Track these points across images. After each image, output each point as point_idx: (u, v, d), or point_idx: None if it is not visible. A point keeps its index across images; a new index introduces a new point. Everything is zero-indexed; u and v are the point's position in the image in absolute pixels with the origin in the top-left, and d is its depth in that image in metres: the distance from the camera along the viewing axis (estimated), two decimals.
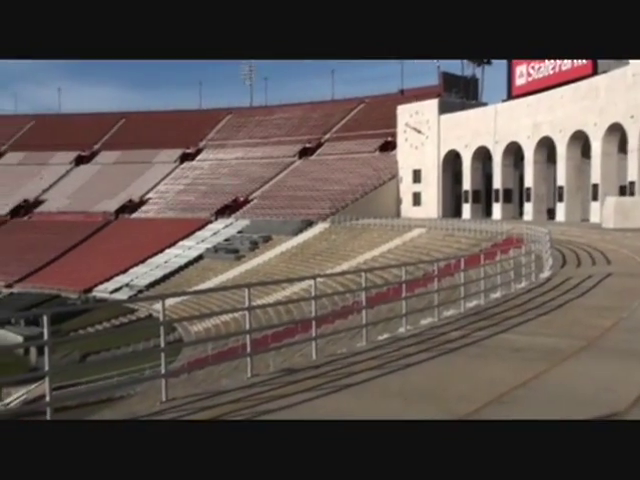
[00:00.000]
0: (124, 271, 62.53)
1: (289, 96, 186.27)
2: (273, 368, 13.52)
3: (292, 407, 6.66)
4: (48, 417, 6.41)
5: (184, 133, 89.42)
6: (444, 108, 62.32)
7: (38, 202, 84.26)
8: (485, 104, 63.74)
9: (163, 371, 7.56)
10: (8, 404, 34.64)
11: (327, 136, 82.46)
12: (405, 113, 66.19)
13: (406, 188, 66.06)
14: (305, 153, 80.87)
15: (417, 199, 65.00)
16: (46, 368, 6.60)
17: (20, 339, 46.18)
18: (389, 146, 71.94)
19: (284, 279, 40.17)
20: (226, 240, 65.24)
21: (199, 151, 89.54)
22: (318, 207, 66.02)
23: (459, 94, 67.35)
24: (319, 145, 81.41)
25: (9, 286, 64.30)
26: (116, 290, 59.12)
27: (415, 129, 64.52)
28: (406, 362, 8.60)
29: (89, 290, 60.01)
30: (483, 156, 58.02)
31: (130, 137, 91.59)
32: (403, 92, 79.32)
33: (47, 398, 6.67)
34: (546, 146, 50.21)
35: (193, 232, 68.88)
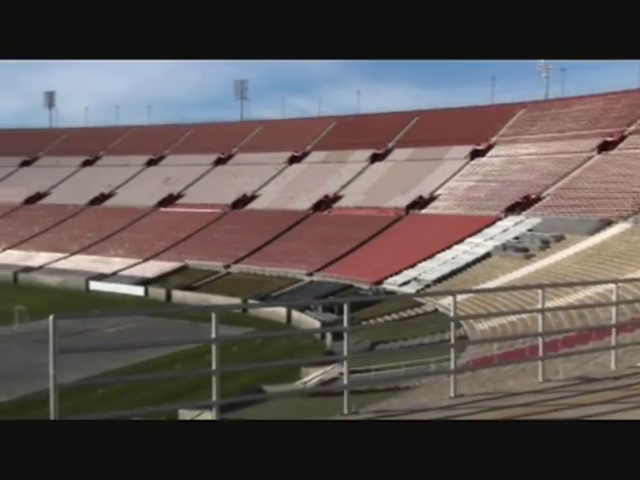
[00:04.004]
0: (412, 265, 64.19)
1: (589, 86, 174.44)
2: (563, 375, 12.86)
3: (588, 418, 6.27)
4: (345, 398, 6.84)
5: (475, 129, 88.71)
6: None
7: (337, 197, 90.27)
8: None
9: (452, 367, 7.63)
10: (306, 383, 37.85)
11: (631, 128, 75.51)
12: None
13: None
14: (605, 147, 75.05)
15: None
16: (344, 353, 7.08)
17: (318, 324, 50.15)
18: None
19: (579, 281, 37.85)
20: (515, 238, 63.48)
21: (490, 147, 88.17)
22: (619, 205, 60.90)
23: None
24: (622, 138, 74.92)
25: (310, 274, 70.04)
26: (405, 283, 61.02)
27: None
28: None
29: (380, 282, 62.80)
30: None
31: (422, 134, 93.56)
32: None
33: (345, 381, 7.16)
34: None
35: (481, 229, 68.15)
